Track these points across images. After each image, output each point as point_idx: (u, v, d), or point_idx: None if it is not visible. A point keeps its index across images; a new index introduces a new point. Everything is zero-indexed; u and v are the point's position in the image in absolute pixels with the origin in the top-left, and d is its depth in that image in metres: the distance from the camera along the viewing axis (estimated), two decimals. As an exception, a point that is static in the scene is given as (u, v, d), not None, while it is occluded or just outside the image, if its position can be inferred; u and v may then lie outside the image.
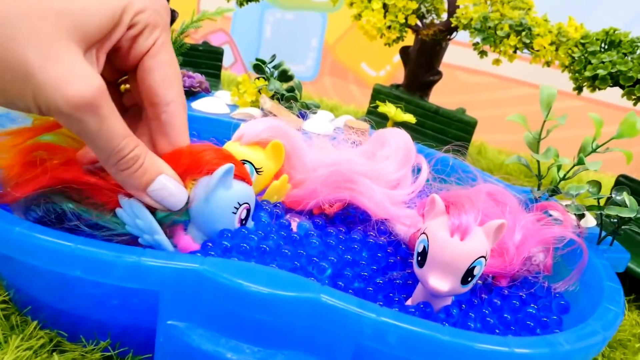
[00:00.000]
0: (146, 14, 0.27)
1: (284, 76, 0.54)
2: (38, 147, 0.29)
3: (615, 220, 0.39)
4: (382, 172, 0.41)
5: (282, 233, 0.35)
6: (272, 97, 0.54)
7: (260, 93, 0.54)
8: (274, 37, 1.73)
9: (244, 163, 0.38)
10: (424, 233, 0.31)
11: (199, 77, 0.56)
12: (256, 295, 0.25)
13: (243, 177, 0.30)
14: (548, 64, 0.64)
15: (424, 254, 0.31)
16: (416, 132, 0.77)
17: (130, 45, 0.27)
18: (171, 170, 0.28)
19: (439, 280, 0.30)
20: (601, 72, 0.50)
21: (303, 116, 0.53)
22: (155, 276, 0.26)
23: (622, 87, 0.51)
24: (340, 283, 0.34)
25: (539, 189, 0.45)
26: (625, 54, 0.50)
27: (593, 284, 0.35)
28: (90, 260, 0.25)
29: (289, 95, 0.52)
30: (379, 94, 0.83)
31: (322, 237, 0.36)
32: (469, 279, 0.30)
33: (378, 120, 0.82)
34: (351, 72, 1.80)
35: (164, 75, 0.28)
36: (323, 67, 1.75)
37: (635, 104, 0.50)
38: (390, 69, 1.75)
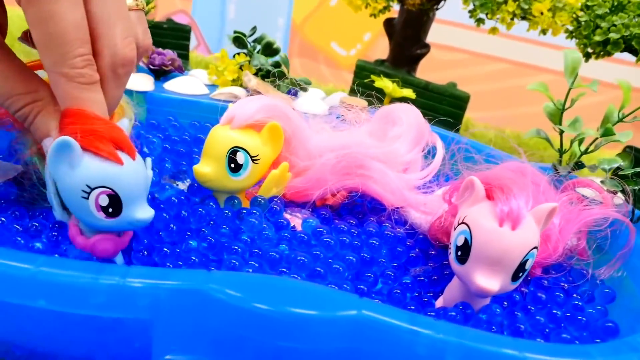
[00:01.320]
0: None
1: (269, 50, 0.48)
2: None
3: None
4: (395, 154, 0.36)
5: (285, 234, 0.30)
6: (255, 74, 0.48)
7: (242, 70, 0.48)
8: (239, 17, 1.65)
9: (237, 151, 0.32)
10: (463, 223, 0.27)
11: (170, 53, 0.49)
12: (279, 318, 0.19)
13: (108, 155, 0.23)
14: (544, 31, 0.60)
15: (465, 248, 0.26)
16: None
17: None
18: (57, 134, 0.24)
19: (488, 279, 0.25)
20: (613, 35, 0.46)
21: (292, 94, 0.47)
22: (146, 301, 0.20)
23: (634, 51, 0.47)
24: (362, 287, 0.29)
25: (560, 164, 0.41)
26: (635, 17, 0.46)
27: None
28: (57, 287, 0.19)
29: (276, 71, 0.46)
30: (363, 70, 0.78)
31: (333, 234, 0.31)
32: (520, 274, 0.26)
33: (364, 98, 0.77)
34: (321, 52, 1.74)
35: (35, 37, 0.23)
36: (291, 48, 1.68)
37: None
38: (362, 48, 1.70)
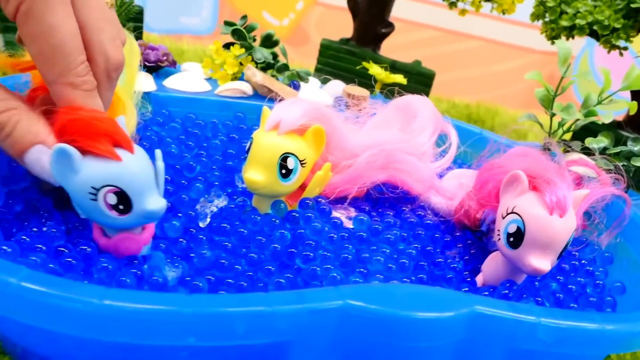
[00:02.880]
0: None
1: (269, 41, 0.47)
2: None
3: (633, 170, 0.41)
4: (420, 146, 0.38)
5: (344, 234, 0.31)
6: (256, 66, 0.47)
7: (241, 63, 0.47)
8: (164, -14, 1.54)
9: (288, 157, 0.32)
10: (514, 213, 0.30)
11: (163, 48, 0.46)
12: (410, 322, 0.21)
13: (106, 154, 0.23)
14: (504, 12, 0.65)
15: (518, 235, 0.30)
16: (373, 87, 0.75)
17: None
18: (53, 140, 0.24)
19: (541, 260, 0.29)
20: (579, 21, 0.51)
21: (295, 87, 0.48)
22: (286, 324, 0.21)
23: (596, 36, 0.53)
24: (421, 276, 0.31)
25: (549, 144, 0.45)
26: (595, 5, 0.52)
27: (636, 235, 0.37)
28: (206, 321, 0.20)
29: (281, 65, 0.46)
30: (328, 49, 0.79)
31: (387, 229, 0.33)
32: (563, 252, 0.30)
33: (330, 79, 0.78)
34: (251, 21, 1.69)
35: (35, 51, 0.23)
36: (221, 19, 1.61)
37: (609, 52, 0.53)
38: (295, 17, 1.68)
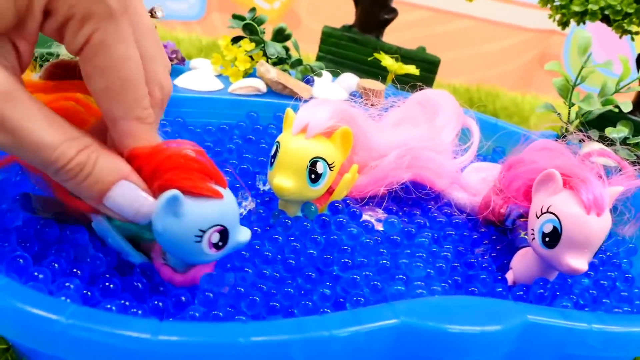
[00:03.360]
0: (69, 3, 0.20)
1: (281, 36, 0.46)
2: None
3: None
4: (445, 143, 0.38)
5: (377, 238, 0.31)
6: (267, 62, 0.46)
7: (252, 59, 0.46)
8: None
9: (317, 161, 0.31)
10: (549, 212, 0.30)
11: (171, 45, 0.44)
12: (468, 336, 0.21)
13: (210, 193, 0.23)
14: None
15: (554, 235, 0.29)
16: (378, 75, 0.73)
17: (62, 39, 0.21)
18: (135, 175, 0.23)
19: (579, 260, 0.29)
20: (592, 7, 0.50)
21: (308, 82, 0.47)
22: (343, 346, 0.20)
23: (608, 21, 0.52)
24: (457, 278, 0.31)
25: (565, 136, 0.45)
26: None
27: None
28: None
29: (295, 60, 0.44)
30: (330, 37, 0.77)
31: (420, 231, 0.33)
32: (598, 251, 0.30)
33: (332, 66, 0.77)
34: (242, 6, 1.65)
35: (103, 85, 0.21)
36: (210, 3, 1.57)
37: (621, 37, 0.53)
38: (286, 0, 1.64)
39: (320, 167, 0.32)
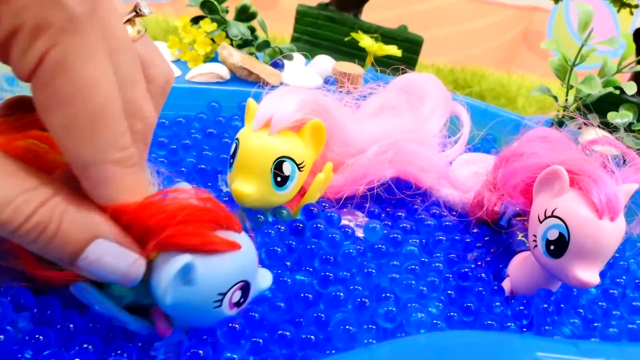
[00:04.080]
0: (14, 8, 0.14)
1: (244, 15, 0.40)
2: None
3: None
4: (431, 133, 0.33)
5: (359, 247, 0.27)
6: (231, 44, 0.41)
7: (214, 41, 0.40)
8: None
9: (283, 162, 0.27)
10: (555, 216, 0.26)
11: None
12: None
13: (226, 247, 0.18)
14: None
15: (561, 243, 0.25)
16: (357, 57, 0.68)
17: (7, 58, 0.15)
18: (114, 231, 0.17)
19: (589, 272, 0.25)
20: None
21: (278, 66, 0.41)
22: None
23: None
24: (450, 292, 0.27)
25: (563, 119, 0.41)
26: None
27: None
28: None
29: (262, 42, 0.39)
30: (305, 16, 0.71)
31: (408, 239, 0.28)
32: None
33: (308, 47, 0.71)
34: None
35: (64, 120, 0.16)
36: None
37: (619, 11, 0.48)
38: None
39: (287, 169, 0.27)
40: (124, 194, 0.17)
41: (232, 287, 0.18)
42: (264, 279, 0.20)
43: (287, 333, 0.20)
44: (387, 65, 0.44)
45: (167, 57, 0.40)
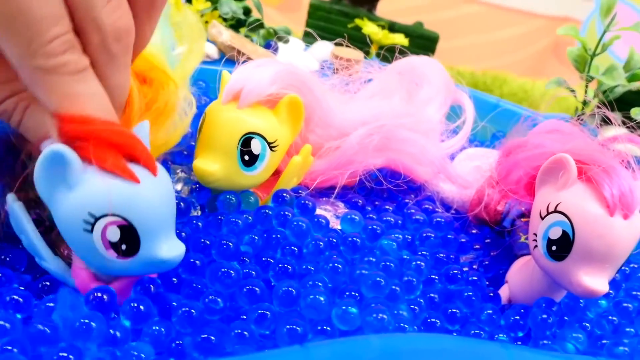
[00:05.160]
0: None
1: (238, -7, 0.38)
2: None
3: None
4: (428, 121, 0.30)
5: (332, 239, 0.24)
6: (222, 23, 0.38)
7: (205, 19, 0.38)
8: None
9: (252, 138, 0.24)
10: (558, 212, 0.22)
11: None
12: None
13: (118, 169, 0.17)
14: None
15: (564, 243, 0.22)
16: (369, 53, 0.66)
17: None
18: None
19: (596, 279, 0.21)
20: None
21: (271, 48, 0.39)
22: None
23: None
24: (432, 295, 0.24)
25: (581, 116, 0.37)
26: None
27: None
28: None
29: (253, 21, 0.37)
30: (318, 10, 0.69)
31: (388, 232, 0.25)
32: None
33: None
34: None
35: None
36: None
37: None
38: (286, -21, 1.56)
39: (256, 147, 0.24)
40: (55, 100, 0.16)
41: (105, 216, 0.17)
42: (166, 248, 0.18)
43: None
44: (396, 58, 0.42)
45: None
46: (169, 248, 0.18)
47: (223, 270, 0.20)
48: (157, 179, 0.18)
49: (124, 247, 0.17)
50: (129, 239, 0.17)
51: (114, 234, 0.17)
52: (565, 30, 0.34)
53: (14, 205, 0.18)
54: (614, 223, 0.21)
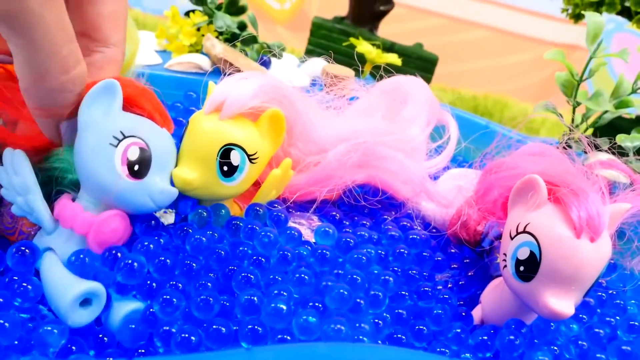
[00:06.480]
0: None
1: (234, 7, 0.39)
2: None
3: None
4: (411, 140, 0.30)
5: (303, 251, 0.24)
6: (217, 38, 0.39)
7: (201, 32, 0.39)
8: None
9: (232, 149, 0.25)
10: (526, 232, 0.22)
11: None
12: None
13: (150, 113, 0.23)
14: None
15: (531, 263, 0.22)
16: (370, 74, 0.66)
17: None
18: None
19: (562, 300, 0.21)
20: (610, -5, 0.43)
21: (264, 63, 0.40)
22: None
23: (629, 14, 0.45)
24: (400, 311, 0.24)
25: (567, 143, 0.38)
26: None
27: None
28: None
29: (247, 36, 0.38)
30: (320, 28, 0.71)
31: (360, 246, 0.25)
32: (591, 289, 0.22)
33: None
34: (252, 5, 1.60)
35: (112, 9, 0.22)
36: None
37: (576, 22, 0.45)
38: (297, 0, 1.59)
39: (235, 158, 0.25)
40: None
41: (131, 137, 0.21)
42: (167, 184, 0.23)
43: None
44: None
45: (154, 46, 0.40)
46: (167, 185, 0.23)
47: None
48: (170, 135, 0.24)
49: (136, 167, 0.21)
50: (143, 162, 0.22)
51: (134, 153, 0.21)
52: (552, 55, 0.34)
53: (16, 154, 0.22)
54: (580, 245, 0.21)
